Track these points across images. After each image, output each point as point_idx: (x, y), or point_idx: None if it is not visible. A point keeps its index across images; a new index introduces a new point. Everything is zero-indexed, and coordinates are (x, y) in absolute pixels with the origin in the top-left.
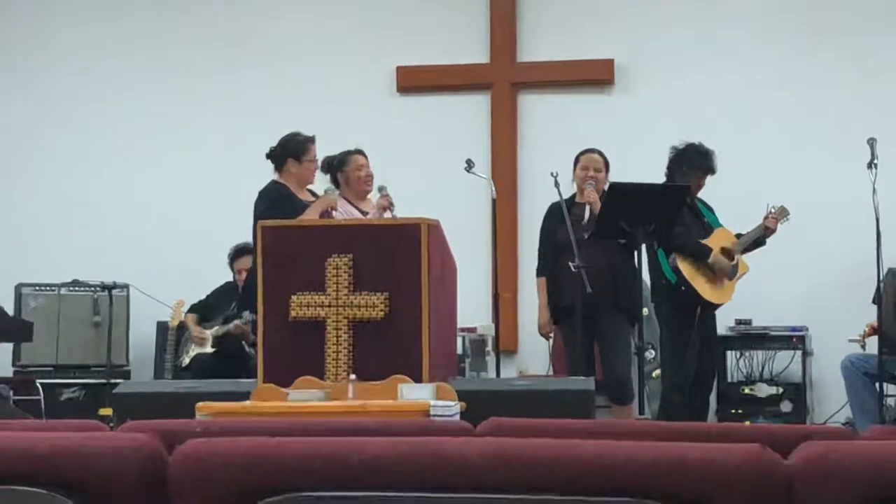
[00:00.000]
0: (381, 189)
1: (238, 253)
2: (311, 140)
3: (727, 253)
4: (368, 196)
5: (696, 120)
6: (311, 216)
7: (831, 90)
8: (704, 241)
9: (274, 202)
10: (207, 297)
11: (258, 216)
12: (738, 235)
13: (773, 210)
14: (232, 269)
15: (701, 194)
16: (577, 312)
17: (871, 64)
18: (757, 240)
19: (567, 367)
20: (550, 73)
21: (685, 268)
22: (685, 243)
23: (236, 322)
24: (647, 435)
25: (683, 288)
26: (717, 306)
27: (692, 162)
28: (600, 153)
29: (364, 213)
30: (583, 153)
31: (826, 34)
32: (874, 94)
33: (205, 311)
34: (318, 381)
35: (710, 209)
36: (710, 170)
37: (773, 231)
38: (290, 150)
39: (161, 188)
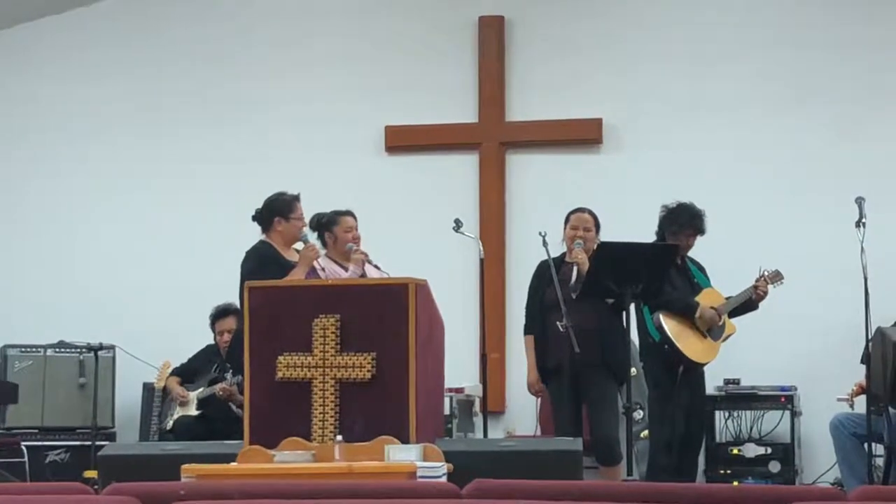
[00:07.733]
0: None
1: (219, 314)
2: (297, 198)
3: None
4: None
5: (683, 180)
6: (297, 276)
7: (819, 151)
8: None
9: (260, 262)
10: (189, 359)
11: (244, 276)
12: (728, 298)
13: (766, 273)
14: (213, 330)
15: (691, 254)
16: (565, 372)
17: (857, 125)
18: (748, 304)
19: (555, 428)
20: (539, 133)
21: (670, 325)
22: (671, 300)
23: (222, 385)
24: (633, 496)
25: (666, 346)
26: (700, 365)
27: (682, 221)
28: (590, 212)
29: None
30: (573, 212)
31: (813, 97)
32: (861, 155)
33: (187, 374)
34: (304, 442)
35: (702, 269)
36: (700, 230)
37: (763, 296)
38: (278, 209)
39: (148, 249)
